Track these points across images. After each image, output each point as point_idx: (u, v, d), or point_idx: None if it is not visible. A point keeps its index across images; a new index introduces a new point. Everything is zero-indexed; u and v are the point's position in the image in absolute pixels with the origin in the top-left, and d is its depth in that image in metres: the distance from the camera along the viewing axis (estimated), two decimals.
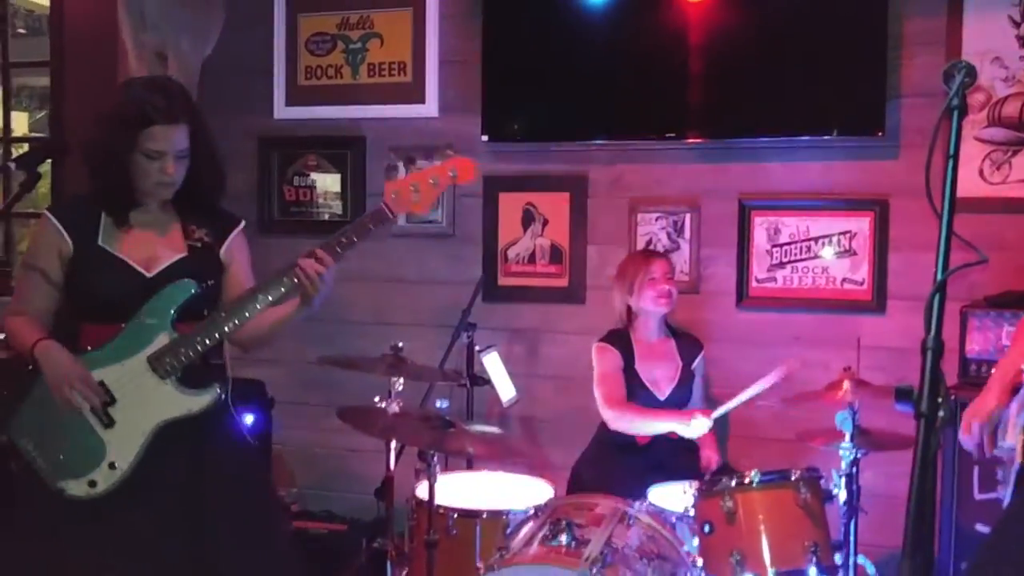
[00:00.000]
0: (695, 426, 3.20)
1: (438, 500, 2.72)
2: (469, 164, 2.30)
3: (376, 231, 2.24)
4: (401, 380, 2.90)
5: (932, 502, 1.34)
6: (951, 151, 1.58)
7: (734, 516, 2.54)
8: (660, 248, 3.80)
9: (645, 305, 3.41)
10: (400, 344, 2.93)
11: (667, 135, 3.80)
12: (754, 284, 3.74)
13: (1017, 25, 3.47)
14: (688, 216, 3.81)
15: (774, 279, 3.73)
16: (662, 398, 3.41)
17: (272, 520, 2.47)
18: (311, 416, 4.13)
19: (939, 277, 1.39)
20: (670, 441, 3.32)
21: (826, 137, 3.61)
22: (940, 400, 1.28)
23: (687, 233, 3.82)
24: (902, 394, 1.33)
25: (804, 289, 3.66)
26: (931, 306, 1.34)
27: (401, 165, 4.08)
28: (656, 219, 3.86)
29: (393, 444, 3.02)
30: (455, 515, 2.79)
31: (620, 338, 3.48)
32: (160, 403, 2.22)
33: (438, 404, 2.75)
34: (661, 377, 3.44)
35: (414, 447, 2.74)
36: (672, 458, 3.30)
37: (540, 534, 2.54)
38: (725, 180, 3.77)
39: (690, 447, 3.37)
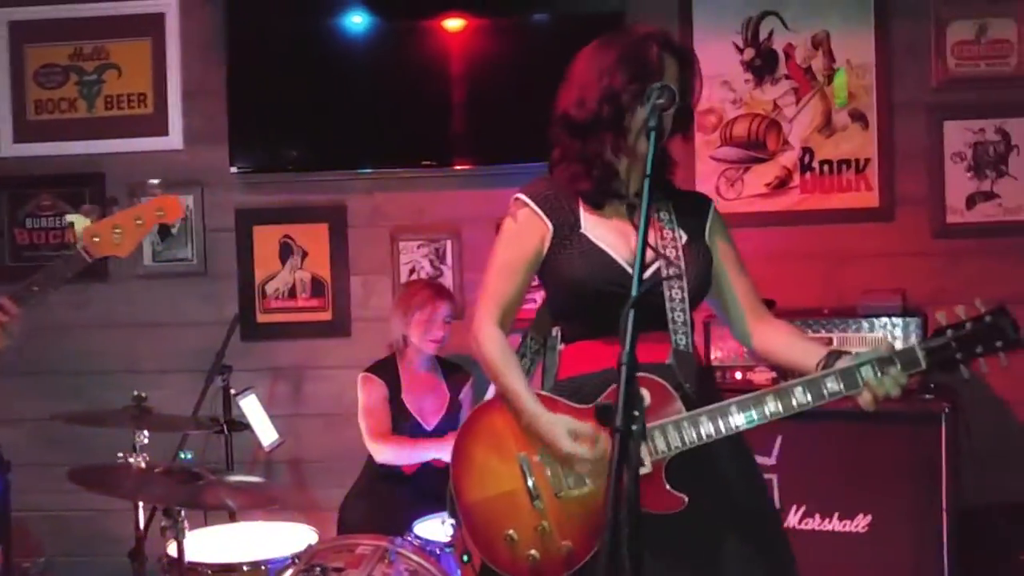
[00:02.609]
0: None
1: (194, 557, 2.58)
2: (175, 202, 2.34)
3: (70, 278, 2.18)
4: (146, 433, 2.72)
5: (634, 519, 1.34)
6: (647, 170, 1.62)
7: None
8: (423, 275, 3.77)
9: (416, 341, 3.38)
10: (143, 394, 2.76)
11: (425, 163, 3.78)
12: None
13: (740, 51, 3.70)
14: (449, 243, 3.81)
15: (534, 300, 3.76)
16: (429, 429, 3.37)
17: None
18: (55, 477, 3.73)
19: (634, 294, 1.41)
20: (437, 470, 3.28)
21: None
22: (636, 414, 1.29)
23: (449, 260, 3.81)
24: (601, 411, 1.34)
25: None
26: (625, 324, 1.35)
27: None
28: (418, 247, 3.83)
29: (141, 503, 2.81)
30: (210, 571, 2.64)
31: (386, 368, 3.42)
32: None
33: (182, 456, 2.58)
34: (428, 408, 3.40)
35: (162, 505, 2.56)
36: (440, 487, 3.23)
37: None
38: (485, 206, 3.79)
39: None
